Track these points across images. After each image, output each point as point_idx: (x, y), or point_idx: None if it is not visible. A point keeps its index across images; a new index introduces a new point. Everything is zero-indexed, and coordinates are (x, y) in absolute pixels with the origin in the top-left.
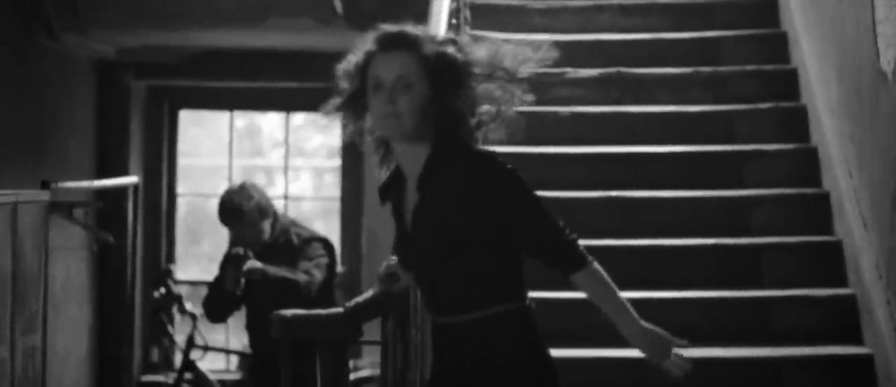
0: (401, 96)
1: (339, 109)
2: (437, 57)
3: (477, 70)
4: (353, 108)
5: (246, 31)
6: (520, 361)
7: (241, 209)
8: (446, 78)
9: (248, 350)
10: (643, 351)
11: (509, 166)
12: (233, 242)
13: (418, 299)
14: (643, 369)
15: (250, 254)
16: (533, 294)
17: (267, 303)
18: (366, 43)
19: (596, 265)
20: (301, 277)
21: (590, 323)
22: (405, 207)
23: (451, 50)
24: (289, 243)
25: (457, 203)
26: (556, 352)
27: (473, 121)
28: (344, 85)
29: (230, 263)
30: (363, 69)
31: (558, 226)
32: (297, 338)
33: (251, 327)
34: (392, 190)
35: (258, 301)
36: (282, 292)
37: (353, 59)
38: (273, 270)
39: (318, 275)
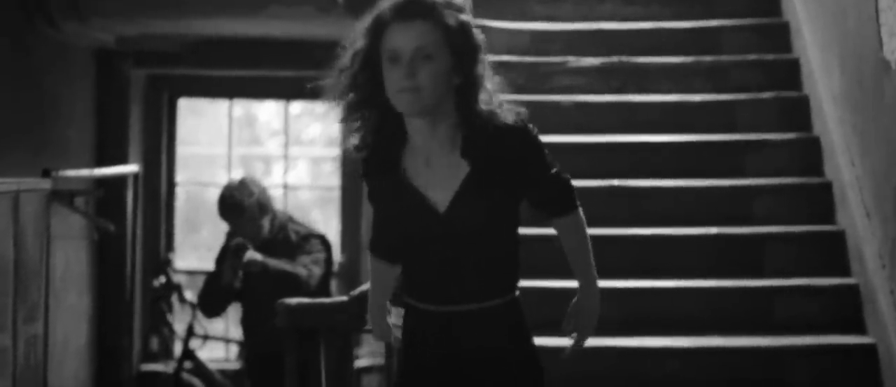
0: (421, 69)
1: (347, 87)
2: (457, 25)
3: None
4: (365, 84)
5: (246, 19)
6: (531, 350)
7: (241, 205)
8: (467, 47)
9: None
10: (587, 314)
11: (535, 131)
12: (231, 238)
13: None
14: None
15: (249, 245)
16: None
17: (266, 297)
18: (377, 11)
19: (581, 211)
20: (301, 271)
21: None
22: (421, 179)
23: (467, 17)
24: (286, 240)
25: (506, 174)
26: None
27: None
28: (348, 62)
29: (229, 254)
30: (374, 40)
31: (558, 168)
32: (302, 327)
33: (247, 322)
34: (386, 162)
35: (257, 295)
36: (280, 286)
37: (361, 31)
38: (273, 262)
39: (317, 271)
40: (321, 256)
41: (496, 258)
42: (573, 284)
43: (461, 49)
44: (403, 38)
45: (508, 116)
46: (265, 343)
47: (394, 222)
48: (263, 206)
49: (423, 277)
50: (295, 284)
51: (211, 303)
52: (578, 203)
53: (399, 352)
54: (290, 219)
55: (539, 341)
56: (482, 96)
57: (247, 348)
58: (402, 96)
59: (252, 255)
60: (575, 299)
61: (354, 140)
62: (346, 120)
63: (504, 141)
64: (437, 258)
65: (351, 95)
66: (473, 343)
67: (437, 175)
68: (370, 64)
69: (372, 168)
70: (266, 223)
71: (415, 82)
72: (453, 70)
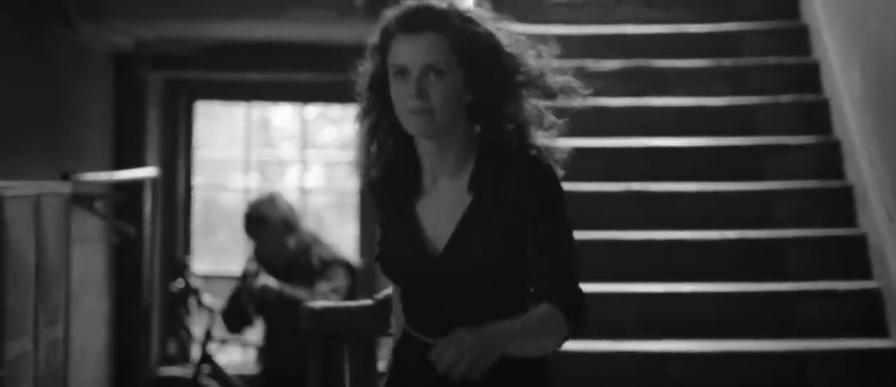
0: (432, 87)
1: (361, 112)
2: (471, 37)
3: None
4: (374, 105)
5: (264, 22)
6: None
7: (265, 220)
8: (484, 62)
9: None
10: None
11: (558, 174)
12: (256, 253)
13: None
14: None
15: (263, 270)
16: None
17: (283, 321)
18: (383, 21)
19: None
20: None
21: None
22: (425, 210)
23: (485, 28)
24: (308, 264)
25: (515, 211)
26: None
27: (517, 113)
28: (363, 76)
29: (247, 278)
30: (382, 52)
31: (571, 248)
32: (326, 330)
33: (267, 342)
34: (393, 183)
35: (274, 319)
36: (296, 313)
37: (370, 48)
38: (288, 290)
39: (334, 300)
40: (342, 283)
41: (499, 294)
42: (600, 288)
43: (474, 63)
44: (411, 53)
45: (545, 143)
46: (284, 365)
47: (390, 251)
48: (289, 224)
49: (417, 307)
50: None
51: (232, 321)
52: (574, 323)
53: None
54: (316, 241)
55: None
56: (502, 120)
57: (265, 368)
58: (413, 118)
59: (265, 281)
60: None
61: (373, 170)
62: (362, 148)
63: (513, 169)
64: (432, 292)
65: (364, 120)
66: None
67: (440, 207)
68: (378, 82)
69: (381, 185)
70: (290, 243)
71: (426, 103)
72: (465, 87)
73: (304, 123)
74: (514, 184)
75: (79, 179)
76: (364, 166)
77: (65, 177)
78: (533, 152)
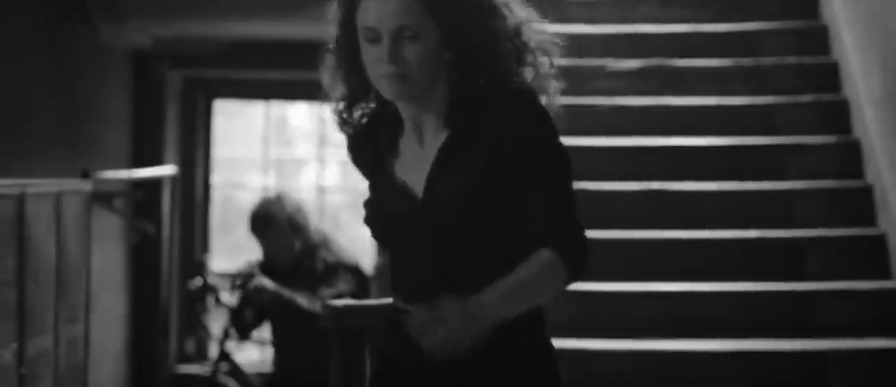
0: (406, 52)
1: (330, 76)
2: None
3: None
4: (346, 68)
5: (282, 22)
6: (538, 366)
7: (272, 218)
8: (460, 18)
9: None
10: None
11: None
12: (263, 255)
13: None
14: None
15: (257, 271)
16: None
17: (286, 325)
18: None
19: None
20: (315, 307)
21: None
22: (405, 164)
23: None
24: (312, 269)
25: (499, 146)
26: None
27: (511, 66)
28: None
29: (244, 279)
30: (349, 16)
31: (574, 200)
32: (348, 328)
33: (275, 344)
34: (374, 141)
35: (279, 322)
36: (299, 316)
37: (334, 5)
38: (286, 293)
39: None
40: (345, 289)
41: (491, 243)
42: (619, 287)
43: (450, 21)
44: (381, 15)
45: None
46: (292, 368)
47: (374, 208)
48: (296, 226)
49: (405, 272)
50: (313, 317)
51: (239, 326)
52: (574, 267)
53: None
54: (325, 243)
55: (581, 343)
56: (488, 73)
57: (275, 370)
58: (387, 83)
59: (260, 281)
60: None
61: (353, 128)
62: (340, 116)
63: (492, 106)
64: (418, 248)
65: (338, 85)
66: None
67: (421, 157)
68: (346, 42)
69: (360, 144)
70: (297, 245)
71: (402, 68)
72: (442, 45)
73: (321, 121)
74: (498, 116)
75: (99, 177)
76: (342, 124)
77: (85, 175)
78: (517, 85)
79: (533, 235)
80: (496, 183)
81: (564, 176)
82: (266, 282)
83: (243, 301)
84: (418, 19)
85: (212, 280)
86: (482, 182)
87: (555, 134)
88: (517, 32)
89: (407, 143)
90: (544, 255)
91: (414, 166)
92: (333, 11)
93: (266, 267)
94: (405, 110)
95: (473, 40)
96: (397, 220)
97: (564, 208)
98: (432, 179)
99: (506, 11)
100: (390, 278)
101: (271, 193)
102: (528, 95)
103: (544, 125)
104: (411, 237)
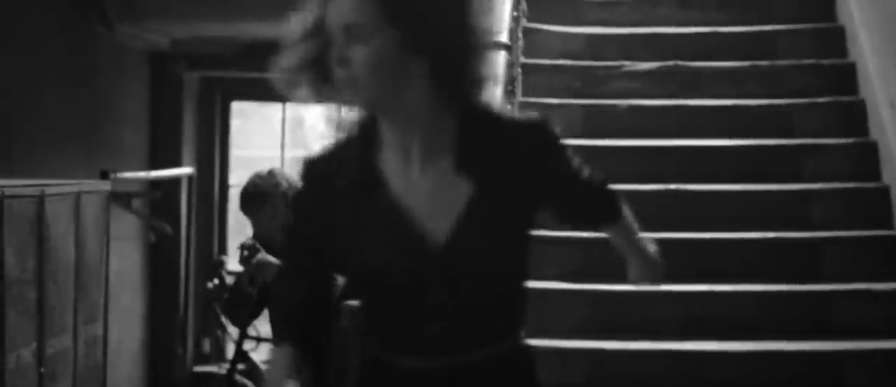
0: (352, 54)
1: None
2: None
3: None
4: (317, 75)
5: None
6: (527, 371)
7: (265, 195)
8: (423, 17)
9: None
10: (644, 272)
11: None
12: (254, 235)
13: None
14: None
15: (259, 246)
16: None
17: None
18: None
19: (626, 207)
20: None
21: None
22: (400, 193)
23: None
24: None
25: (522, 192)
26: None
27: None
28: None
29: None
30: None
31: (590, 171)
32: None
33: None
34: (352, 168)
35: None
36: None
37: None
38: None
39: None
40: None
41: (507, 295)
42: (631, 287)
43: (410, 20)
44: (332, 11)
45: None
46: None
47: (368, 256)
48: (289, 201)
49: (401, 323)
50: None
51: (235, 313)
52: (623, 204)
53: None
54: None
55: (598, 344)
56: (466, 85)
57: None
58: (341, 90)
59: (264, 257)
60: (634, 267)
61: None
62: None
63: (515, 146)
64: (425, 300)
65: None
66: None
67: (427, 193)
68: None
69: (330, 178)
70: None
71: (349, 72)
72: (404, 50)
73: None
74: (520, 161)
75: (117, 177)
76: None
77: (103, 175)
78: (524, 119)
79: (591, 225)
80: (523, 233)
81: (580, 165)
82: (270, 257)
83: (248, 281)
84: (366, 17)
85: (229, 281)
86: (513, 238)
87: (570, 153)
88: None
89: (393, 168)
90: (617, 226)
91: (423, 205)
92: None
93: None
94: (387, 124)
95: (445, 46)
96: (406, 270)
97: (599, 189)
98: (462, 232)
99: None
100: (371, 327)
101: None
102: (544, 128)
103: (565, 153)
104: (418, 288)
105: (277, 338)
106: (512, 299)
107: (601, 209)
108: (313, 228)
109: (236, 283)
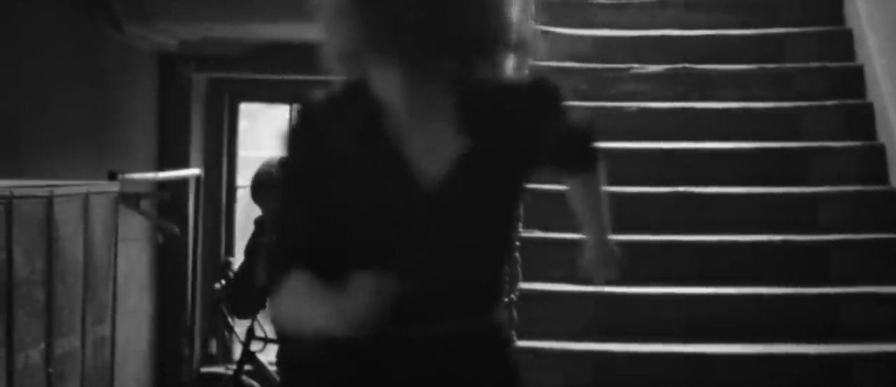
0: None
1: None
2: None
3: None
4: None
5: (308, 24)
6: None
7: (275, 183)
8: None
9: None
10: (601, 263)
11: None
12: (263, 223)
13: None
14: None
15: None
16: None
17: None
18: None
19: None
20: None
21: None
22: (394, 139)
23: None
24: None
25: (521, 150)
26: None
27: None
28: None
29: (258, 253)
30: None
31: (577, 119)
32: None
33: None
34: (354, 117)
35: None
36: None
37: None
38: None
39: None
40: None
41: (487, 262)
42: (645, 290)
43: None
44: None
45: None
46: (297, 350)
47: (346, 199)
48: None
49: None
50: None
51: (240, 304)
52: (600, 162)
53: None
54: None
55: (605, 346)
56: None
57: (280, 352)
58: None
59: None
60: (588, 249)
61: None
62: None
63: (516, 104)
64: (408, 256)
65: None
66: (441, 380)
67: (423, 143)
68: None
69: (325, 119)
70: None
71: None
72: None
73: None
74: (526, 117)
75: (125, 178)
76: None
77: (112, 176)
78: (526, 76)
79: (568, 166)
80: (515, 197)
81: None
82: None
83: (248, 265)
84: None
85: None
86: (505, 201)
87: (567, 110)
88: None
89: (391, 119)
90: (590, 177)
91: (419, 144)
92: None
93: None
94: (375, 79)
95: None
96: (395, 207)
97: (584, 136)
98: (454, 179)
99: None
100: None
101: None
102: (544, 87)
103: (563, 112)
104: (404, 234)
105: (282, 270)
106: (492, 268)
107: (580, 156)
108: (309, 169)
109: (239, 272)
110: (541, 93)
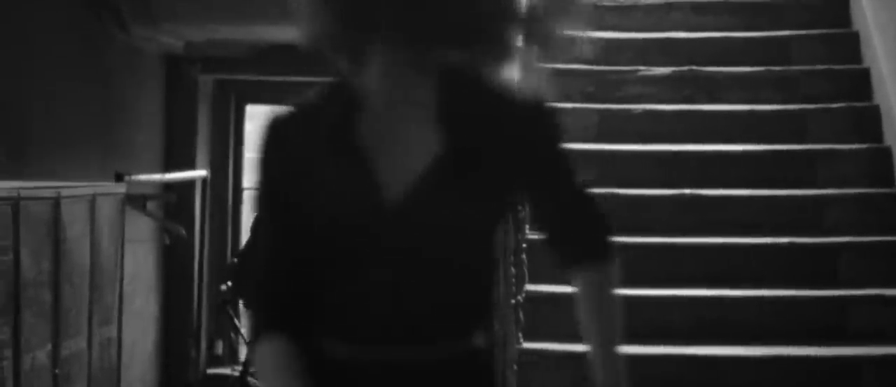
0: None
1: None
2: None
3: None
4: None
5: None
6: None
7: None
8: None
9: None
10: None
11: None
12: None
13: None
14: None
15: None
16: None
17: None
18: None
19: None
20: None
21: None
22: (368, 136)
23: None
24: None
25: (501, 163)
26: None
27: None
28: None
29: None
30: None
31: (589, 190)
32: None
33: None
34: (324, 127)
35: None
36: None
37: None
38: None
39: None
40: None
41: (463, 281)
42: (651, 292)
43: None
44: None
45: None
46: None
47: (310, 213)
48: None
49: (346, 300)
50: None
51: (247, 284)
52: (614, 255)
53: None
54: None
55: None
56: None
57: None
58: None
59: None
60: (593, 369)
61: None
62: None
63: (503, 114)
64: (375, 269)
65: None
66: None
67: (394, 149)
68: None
69: (295, 132)
70: None
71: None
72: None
73: None
74: (506, 129)
75: (132, 179)
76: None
77: (118, 178)
78: (520, 88)
79: (575, 255)
80: (493, 210)
81: (591, 192)
82: None
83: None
84: None
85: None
86: (481, 210)
87: (569, 154)
88: None
89: (364, 125)
90: (599, 278)
91: (385, 154)
92: None
93: None
94: (360, 84)
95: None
96: (351, 224)
97: (604, 225)
98: (421, 189)
99: None
100: (303, 306)
101: None
102: (543, 108)
103: (561, 147)
104: (364, 249)
105: (258, 327)
106: (470, 288)
107: (588, 235)
108: (282, 189)
109: (245, 249)
110: (534, 110)
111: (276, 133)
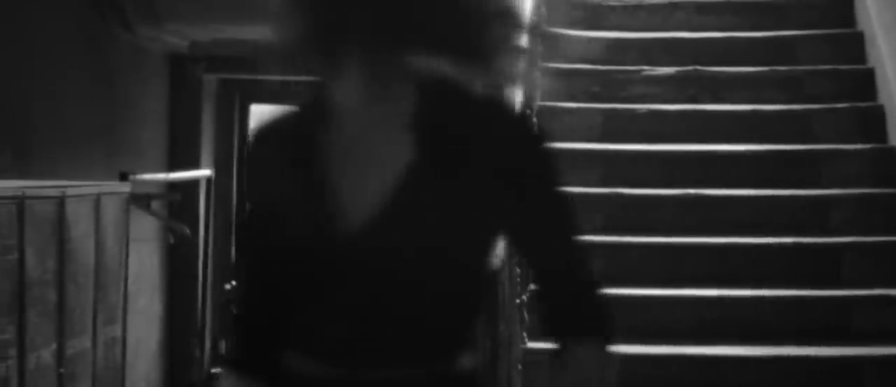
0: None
1: None
2: None
3: None
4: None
5: None
6: None
7: None
8: None
9: None
10: None
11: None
12: None
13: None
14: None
15: None
16: None
17: None
18: None
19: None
20: None
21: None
22: (332, 161)
23: None
24: None
25: (490, 186)
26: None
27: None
28: None
29: None
30: None
31: (584, 250)
32: None
33: None
34: (294, 141)
35: None
36: None
37: None
38: None
39: None
40: None
41: (440, 302)
42: (655, 292)
43: None
44: None
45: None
46: None
47: (276, 231)
48: None
49: (314, 325)
50: None
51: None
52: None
53: None
54: None
55: (614, 347)
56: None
57: None
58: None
59: None
60: None
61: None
62: None
63: (487, 131)
64: (339, 295)
65: None
66: None
67: (363, 162)
68: None
69: (271, 148)
70: None
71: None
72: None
73: None
74: (497, 146)
75: (136, 179)
76: None
77: (123, 177)
78: (507, 102)
79: (553, 324)
80: (477, 225)
81: (580, 237)
82: None
83: None
84: None
85: None
86: (462, 226)
87: (561, 190)
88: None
89: (333, 137)
90: (595, 348)
91: (346, 165)
92: None
93: None
94: (331, 93)
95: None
96: (316, 242)
97: (593, 283)
98: (391, 207)
99: None
100: (271, 318)
101: None
102: (535, 129)
103: (556, 173)
104: (330, 272)
105: (233, 356)
106: (449, 309)
107: (572, 305)
108: (257, 211)
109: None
110: (524, 133)
111: (254, 150)
